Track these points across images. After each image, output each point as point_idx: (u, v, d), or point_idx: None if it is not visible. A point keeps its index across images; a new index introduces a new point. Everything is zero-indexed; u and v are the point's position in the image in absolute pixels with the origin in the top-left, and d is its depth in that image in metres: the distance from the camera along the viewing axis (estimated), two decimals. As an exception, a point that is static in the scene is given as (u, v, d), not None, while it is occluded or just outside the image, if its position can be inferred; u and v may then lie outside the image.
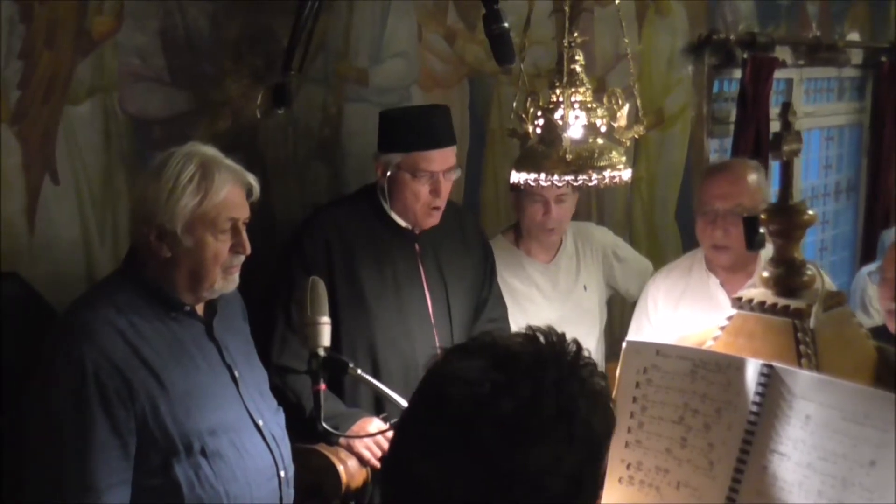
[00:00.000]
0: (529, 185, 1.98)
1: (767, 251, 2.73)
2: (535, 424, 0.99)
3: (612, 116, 1.97)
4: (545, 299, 2.99)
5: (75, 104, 2.28)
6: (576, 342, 1.09)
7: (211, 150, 1.95)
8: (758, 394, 1.59)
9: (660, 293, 2.84)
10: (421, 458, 1.02)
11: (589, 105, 1.95)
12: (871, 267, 2.96)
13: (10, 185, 2.18)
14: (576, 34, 1.96)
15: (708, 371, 1.67)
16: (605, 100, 1.98)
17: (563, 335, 1.09)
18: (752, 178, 2.70)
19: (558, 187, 1.98)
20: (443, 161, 2.46)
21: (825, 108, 5.25)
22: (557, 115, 1.92)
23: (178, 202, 1.85)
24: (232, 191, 1.92)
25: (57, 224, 2.27)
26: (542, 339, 1.08)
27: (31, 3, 2.18)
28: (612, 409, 1.08)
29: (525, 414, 0.99)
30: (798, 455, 1.52)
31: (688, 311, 2.74)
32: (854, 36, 5.12)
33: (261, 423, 2.00)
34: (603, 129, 1.96)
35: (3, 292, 2.17)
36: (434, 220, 2.53)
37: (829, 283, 1.91)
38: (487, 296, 2.75)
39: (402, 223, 2.54)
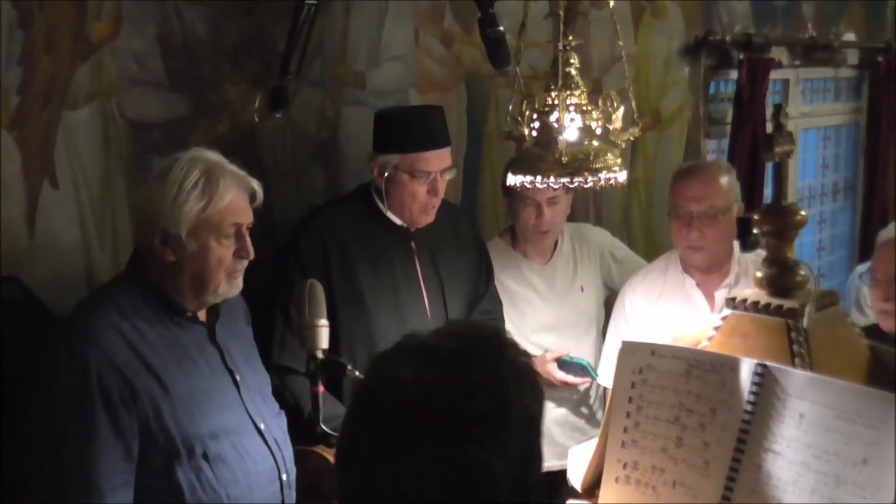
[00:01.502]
0: (522, 188, 2.00)
1: (739, 250, 2.79)
2: (473, 415, 1.02)
3: (608, 118, 1.99)
4: (542, 301, 3.01)
5: (74, 109, 2.30)
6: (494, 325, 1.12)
7: (215, 156, 1.96)
8: (752, 393, 1.60)
9: (636, 296, 2.87)
10: (377, 463, 1.04)
11: (584, 107, 1.97)
12: (864, 267, 2.97)
13: (10, 190, 2.19)
14: (570, 37, 1.98)
15: (703, 371, 1.68)
16: (600, 102, 1.99)
17: (495, 328, 1.14)
18: (724, 179, 2.73)
19: (553, 189, 2.00)
20: (440, 162, 2.48)
21: (822, 108, 5.27)
22: (553, 117, 1.94)
23: (183, 207, 1.86)
24: (236, 196, 1.93)
25: (56, 228, 2.28)
26: (460, 328, 1.13)
27: (31, 9, 2.20)
28: (539, 384, 1.11)
29: (462, 408, 1.02)
30: (792, 453, 1.53)
31: (666, 313, 2.77)
32: (850, 36, 5.14)
33: (262, 426, 2.01)
34: (598, 131, 1.97)
35: (2, 296, 2.18)
36: (430, 217, 2.55)
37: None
38: (483, 292, 2.77)
39: (398, 222, 2.56)
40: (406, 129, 2.48)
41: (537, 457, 1.08)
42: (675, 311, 2.77)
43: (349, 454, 1.09)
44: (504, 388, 1.04)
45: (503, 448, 1.02)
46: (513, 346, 1.12)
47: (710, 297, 2.80)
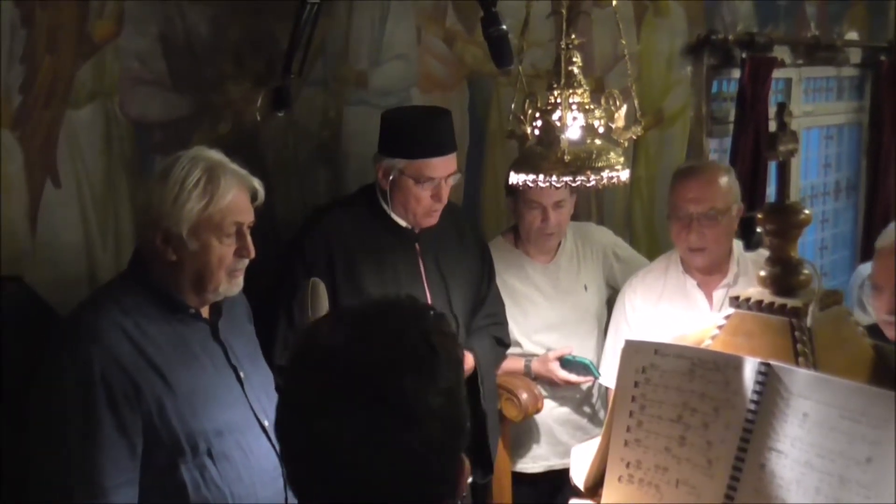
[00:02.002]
0: (527, 190, 2.00)
1: (738, 250, 2.80)
2: (404, 353, 1.12)
3: (610, 117, 1.98)
4: (545, 300, 3.01)
5: (76, 108, 2.30)
6: (415, 299, 1.24)
7: (217, 155, 1.96)
8: (755, 392, 1.60)
9: (637, 296, 2.87)
10: (331, 430, 1.10)
11: (587, 106, 1.96)
12: (867, 266, 2.94)
13: (12, 189, 2.19)
14: (573, 36, 1.98)
15: (706, 370, 1.68)
16: (602, 101, 1.99)
17: (410, 296, 1.24)
18: (724, 180, 2.74)
19: (556, 188, 2.00)
20: (446, 168, 2.48)
21: (824, 107, 5.26)
22: (555, 116, 1.93)
23: (184, 206, 1.86)
24: (237, 195, 1.93)
25: (59, 228, 2.28)
26: (380, 299, 1.24)
27: (33, 7, 2.20)
28: (460, 348, 1.22)
29: (393, 350, 1.13)
30: (796, 453, 1.53)
31: (666, 313, 2.77)
32: (852, 35, 5.13)
33: (266, 423, 2.01)
34: (601, 130, 1.97)
35: (5, 296, 2.18)
36: (433, 220, 2.55)
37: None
38: (486, 293, 2.77)
39: (402, 223, 2.56)
40: (413, 135, 2.47)
41: (463, 404, 1.18)
42: (676, 311, 2.77)
43: (300, 431, 1.14)
44: (428, 333, 1.15)
45: (435, 381, 1.12)
46: (431, 308, 1.23)
47: (710, 298, 2.80)
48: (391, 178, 2.47)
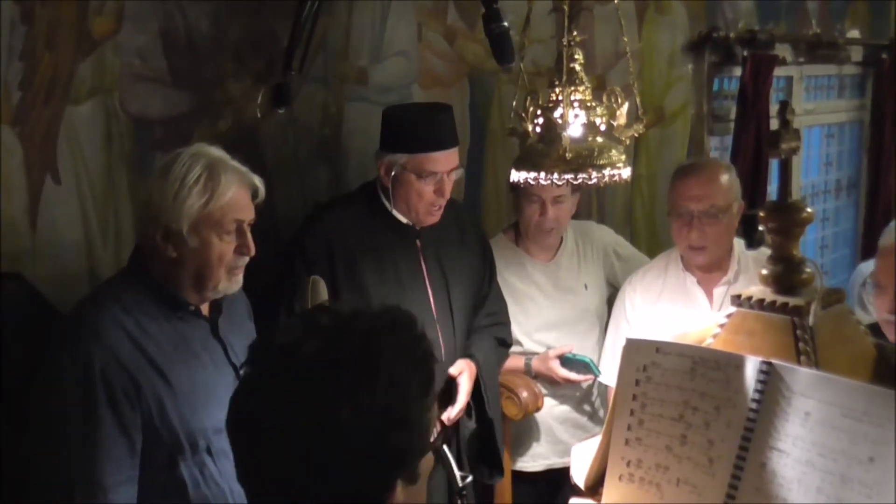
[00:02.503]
0: (527, 185, 1.99)
1: (739, 248, 2.80)
2: (334, 362, 1.10)
3: (612, 115, 1.98)
4: (546, 298, 3.00)
5: (76, 105, 2.29)
6: (410, 315, 1.20)
7: (217, 152, 1.96)
8: (757, 391, 1.60)
9: (636, 294, 2.87)
10: (263, 411, 1.12)
11: (588, 104, 1.96)
12: (868, 265, 2.93)
13: (12, 186, 2.18)
14: (575, 33, 1.97)
15: (707, 368, 1.67)
16: (604, 98, 1.98)
17: (407, 312, 1.20)
18: (724, 178, 2.74)
19: (557, 185, 1.99)
20: (448, 162, 2.48)
21: (825, 105, 5.26)
22: (557, 113, 1.93)
23: (185, 203, 1.86)
24: (238, 192, 1.93)
25: (59, 224, 2.28)
26: (377, 309, 1.20)
27: (32, 5, 2.19)
28: (428, 369, 1.17)
29: (325, 352, 1.11)
30: (797, 452, 1.53)
31: (666, 311, 2.77)
32: (854, 33, 5.13)
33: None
34: (602, 127, 1.96)
35: (5, 293, 2.17)
36: (435, 217, 2.55)
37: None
38: (487, 291, 2.77)
39: (403, 220, 2.55)
40: (415, 130, 2.46)
41: (398, 426, 1.13)
42: (676, 309, 2.77)
43: (247, 404, 1.16)
44: (377, 352, 1.12)
45: (355, 400, 1.09)
46: (416, 331, 1.19)
47: (710, 295, 2.80)
48: (393, 173, 2.47)
